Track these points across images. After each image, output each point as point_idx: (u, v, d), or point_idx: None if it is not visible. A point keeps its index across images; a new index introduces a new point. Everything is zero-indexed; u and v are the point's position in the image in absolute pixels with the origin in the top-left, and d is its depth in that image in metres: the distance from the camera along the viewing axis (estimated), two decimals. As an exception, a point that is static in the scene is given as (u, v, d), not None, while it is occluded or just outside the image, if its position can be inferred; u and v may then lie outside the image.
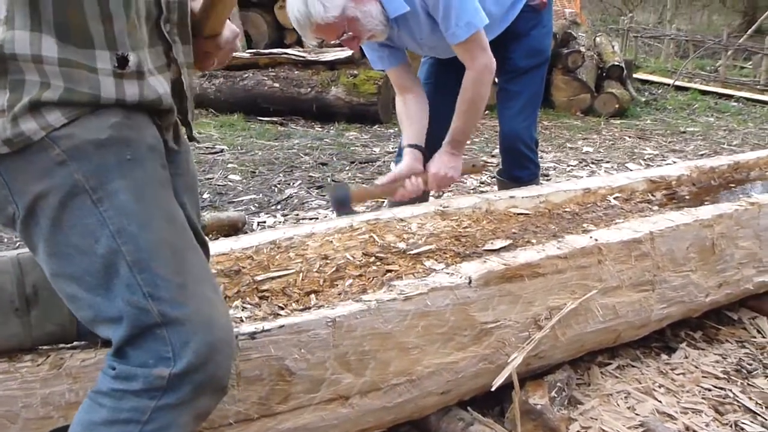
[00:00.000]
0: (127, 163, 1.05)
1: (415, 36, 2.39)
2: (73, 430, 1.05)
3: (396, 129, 5.87)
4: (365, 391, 1.47)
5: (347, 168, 4.66)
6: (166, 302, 1.02)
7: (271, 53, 6.57)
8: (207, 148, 5.03)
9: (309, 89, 6.27)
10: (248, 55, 6.59)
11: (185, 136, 1.30)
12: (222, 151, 5.01)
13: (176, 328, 1.02)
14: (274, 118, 6.25)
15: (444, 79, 2.62)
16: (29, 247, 1.09)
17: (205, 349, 1.04)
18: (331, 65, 6.34)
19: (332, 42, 2.33)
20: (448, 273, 1.64)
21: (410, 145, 2.48)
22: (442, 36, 2.29)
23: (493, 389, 1.60)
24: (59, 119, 1.01)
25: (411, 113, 2.53)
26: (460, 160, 2.48)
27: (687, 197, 2.61)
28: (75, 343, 1.35)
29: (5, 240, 3.07)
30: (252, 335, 1.33)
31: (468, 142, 2.64)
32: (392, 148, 5.26)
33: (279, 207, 3.74)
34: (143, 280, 1.02)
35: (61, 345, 1.33)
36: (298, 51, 6.55)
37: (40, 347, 1.31)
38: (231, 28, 1.29)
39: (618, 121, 7.23)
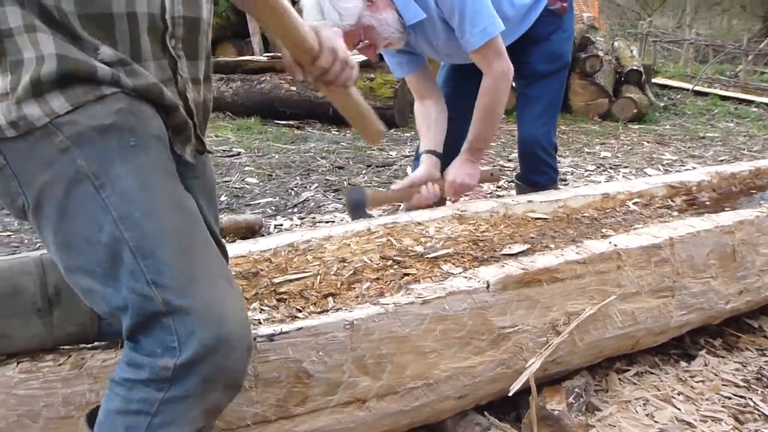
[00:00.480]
0: (131, 149, 1.02)
1: (432, 43, 2.39)
2: (99, 416, 1.05)
3: (413, 133, 5.87)
4: (382, 394, 1.47)
5: (363, 171, 4.67)
6: (170, 290, 0.99)
7: (288, 57, 6.59)
8: (224, 151, 5.07)
9: (326, 93, 6.28)
10: (265, 58, 6.63)
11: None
12: (239, 154, 5.04)
13: (181, 317, 0.99)
14: (291, 122, 6.28)
15: (463, 82, 2.61)
16: (42, 241, 1.07)
17: (213, 340, 1.00)
18: (348, 69, 6.35)
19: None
20: (465, 277, 1.64)
21: (428, 151, 2.48)
22: (458, 43, 2.29)
23: (510, 394, 1.59)
24: (63, 106, 1.01)
25: (430, 119, 2.53)
26: (478, 168, 2.48)
27: (707, 203, 2.58)
28: (96, 343, 1.36)
29: (26, 241, 3.11)
30: (270, 337, 1.34)
31: (487, 149, 2.65)
32: (409, 151, 5.27)
33: (295, 210, 3.76)
34: (146, 267, 0.99)
35: (82, 345, 1.34)
36: (316, 55, 6.56)
37: (61, 347, 1.32)
38: (328, 48, 1.23)
39: (636, 126, 7.18)
